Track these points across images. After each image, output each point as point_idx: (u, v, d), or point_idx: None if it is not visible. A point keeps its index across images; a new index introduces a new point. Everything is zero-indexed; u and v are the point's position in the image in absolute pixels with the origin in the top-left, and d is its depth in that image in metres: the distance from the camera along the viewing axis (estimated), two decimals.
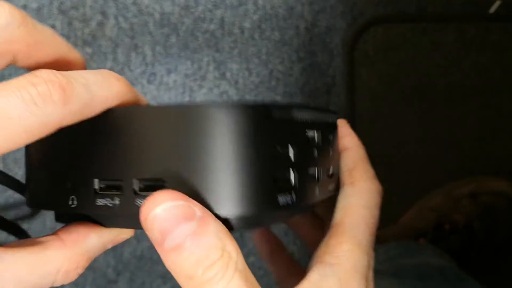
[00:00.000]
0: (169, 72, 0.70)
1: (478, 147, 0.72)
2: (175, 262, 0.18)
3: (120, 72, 0.59)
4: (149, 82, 0.70)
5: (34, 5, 0.69)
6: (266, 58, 0.71)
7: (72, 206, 0.20)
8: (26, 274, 0.18)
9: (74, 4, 0.69)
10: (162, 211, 0.18)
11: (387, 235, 0.64)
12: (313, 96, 0.72)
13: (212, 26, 0.71)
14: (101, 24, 0.69)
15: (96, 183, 0.20)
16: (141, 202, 0.19)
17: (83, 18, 0.69)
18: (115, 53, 0.69)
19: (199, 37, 0.71)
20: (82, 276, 0.71)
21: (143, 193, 0.19)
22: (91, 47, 0.69)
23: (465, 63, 0.72)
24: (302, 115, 0.22)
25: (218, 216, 0.19)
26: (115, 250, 0.70)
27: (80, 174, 0.20)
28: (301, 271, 0.24)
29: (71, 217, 0.21)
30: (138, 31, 0.70)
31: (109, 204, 0.20)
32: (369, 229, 0.23)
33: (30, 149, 0.21)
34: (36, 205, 0.22)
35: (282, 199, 0.20)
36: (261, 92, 0.71)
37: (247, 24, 0.71)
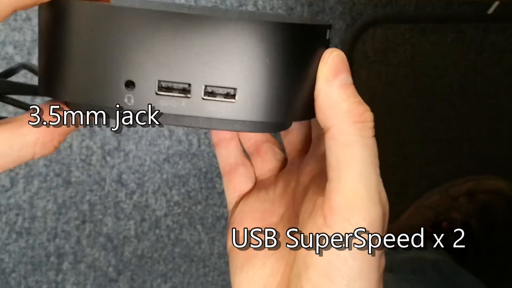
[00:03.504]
0: None
1: (476, 147, 0.72)
2: (340, 96, 0.21)
3: None
4: None
5: None
6: None
7: (129, 104, 0.20)
8: (6, 148, 0.20)
9: None
10: (342, 56, 0.22)
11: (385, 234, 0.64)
12: None
13: None
14: None
15: (159, 84, 0.20)
16: (210, 106, 0.20)
17: None
18: None
19: None
20: (83, 275, 0.71)
21: (209, 98, 0.20)
22: None
23: (463, 63, 0.72)
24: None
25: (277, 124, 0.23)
26: (116, 249, 0.70)
27: (142, 72, 0.20)
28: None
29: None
30: None
31: (173, 106, 0.20)
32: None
33: (74, 36, 0.21)
34: (69, 96, 0.21)
35: None
36: None
37: None
